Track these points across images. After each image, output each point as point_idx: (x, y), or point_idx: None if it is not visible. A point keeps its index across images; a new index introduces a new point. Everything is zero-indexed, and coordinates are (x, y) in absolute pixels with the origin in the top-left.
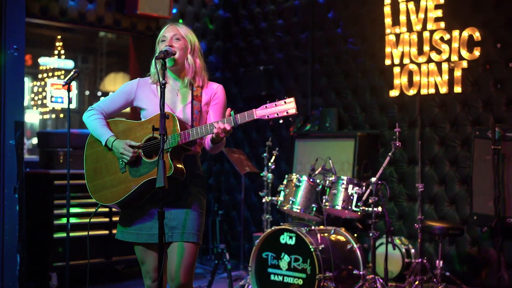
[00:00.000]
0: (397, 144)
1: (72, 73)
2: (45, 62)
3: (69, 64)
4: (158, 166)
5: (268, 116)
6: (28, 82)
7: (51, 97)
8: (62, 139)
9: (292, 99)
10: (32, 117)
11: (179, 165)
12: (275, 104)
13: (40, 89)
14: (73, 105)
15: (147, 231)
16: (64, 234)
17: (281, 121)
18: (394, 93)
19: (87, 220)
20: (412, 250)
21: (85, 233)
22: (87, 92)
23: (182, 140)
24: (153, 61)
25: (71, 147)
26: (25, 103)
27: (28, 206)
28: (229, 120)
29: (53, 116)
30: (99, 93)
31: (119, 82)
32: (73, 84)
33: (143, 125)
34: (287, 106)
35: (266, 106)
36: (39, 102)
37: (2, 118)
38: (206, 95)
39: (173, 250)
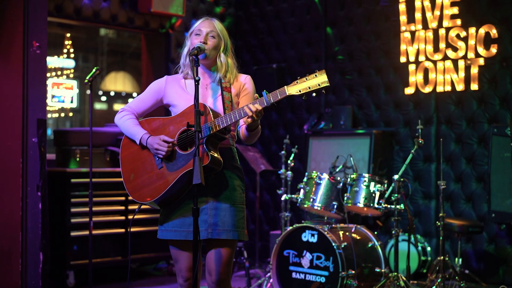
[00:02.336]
0: (420, 142)
1: (94, 70)
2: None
3: (71, 63)
4: (194, 163)
5: (300, 91)
6: None
7: (52, 96)
8: (78, 137)
9: (323, 71)
10: None
11: (216, 154)
12: (306, 78)
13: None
14: (74, 104)
15: (186, 228)
16: (81, 233)
17: (314, 94)
18: (409, 90)
19: (102, 218)
20: (428, 248)
21: (102, 231)
22: (88, 91)
23: (216, 126)
24: (184, 53)
25: (86, 145)
26: None
27: None
28: (261, 100)
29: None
30: (100, 92)
31: (119, 81)
32: (74, 83)
33: (175, 119)
34: (319, 79)
35: (297, 82)
36: None
37: (24, 115)
38: (235, 87)
39: (212, 247)
